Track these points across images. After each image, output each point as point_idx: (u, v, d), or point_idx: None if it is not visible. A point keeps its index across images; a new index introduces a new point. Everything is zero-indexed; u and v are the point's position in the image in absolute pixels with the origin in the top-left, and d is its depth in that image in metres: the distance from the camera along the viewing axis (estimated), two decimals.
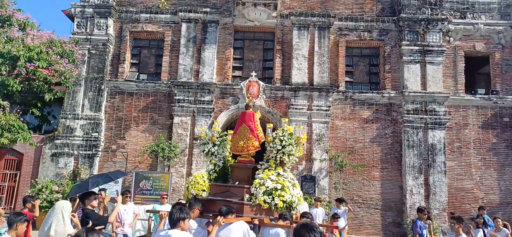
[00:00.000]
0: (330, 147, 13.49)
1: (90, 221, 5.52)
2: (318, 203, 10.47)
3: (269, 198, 5.34)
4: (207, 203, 5.48)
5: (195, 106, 13.79)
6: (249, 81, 13.77)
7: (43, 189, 12.73)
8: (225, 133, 6.55)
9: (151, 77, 14.73)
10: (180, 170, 13.50)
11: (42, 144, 13.96)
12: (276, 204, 5.32)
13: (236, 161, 6.19)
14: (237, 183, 5.78)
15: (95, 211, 6.23)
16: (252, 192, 5.50)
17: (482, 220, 10.12)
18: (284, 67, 14.30)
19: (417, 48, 13.96)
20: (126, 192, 9.42)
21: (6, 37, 12.20)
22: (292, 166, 6.81)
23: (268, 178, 5.50)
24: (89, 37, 14.31)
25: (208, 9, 14.40)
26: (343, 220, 10.22)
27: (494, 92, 14.07)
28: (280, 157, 5.80)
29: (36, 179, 13.49)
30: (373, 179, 13.48)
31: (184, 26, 14.40)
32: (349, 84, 14.49)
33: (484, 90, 14.31)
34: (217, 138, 6.31)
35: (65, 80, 13.09)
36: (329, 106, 13.67)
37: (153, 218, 9.04)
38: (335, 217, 9.59)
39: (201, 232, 5.05)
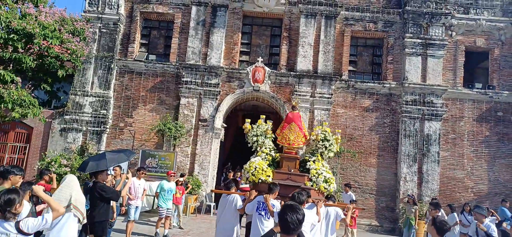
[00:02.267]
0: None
1: (105, 195, 5.85)
2: (348, 188, 11.36)
3: (326, 184, 6.84)
4: (270, 186, 6.08)
5: (202, 88, 14.20)
6: (255, 66, 14.16)
7: (52, 163, 13.24)
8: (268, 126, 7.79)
9: (159, 58, 15.06)
10: (185, 149, 14.06)
11: (52, 119, 14.39)
12: (327, 190, 6.82)
13: (282, 152, 7.47)
14: (291, 170, 7.04)
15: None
16: (311, 179, 6.92)
17: (467, 207, 10.91)
18: (290, 54, 14.67)
19: (419, 41, 14.36)
20: (142, 168, 10.02)
21: (21, 13, 12.39)
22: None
23: (322, 168, 7.03)
24: (100, 16, 14.52)
25: None
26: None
27: (491, 87, 14.60)
28: (321, 152, 7.31)
29: (45, 153, 14.00)
30: (370, 166, 14.15)
31: (194, 9, 14.63)
32: (352, 73, 14.94)
33: (481, 84, 14.84)
34: (270, 132, 7.53)
35: (76, 58, 13.38)
36: (331, 94, 14.16)
37: (159, 193, 9.63)
38: (352, 202, 10.27)
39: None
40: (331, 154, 7.52)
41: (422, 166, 13.88)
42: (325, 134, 7.39)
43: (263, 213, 5.65)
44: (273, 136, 7.59)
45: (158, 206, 9.74)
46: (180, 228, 10.71)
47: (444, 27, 14.51)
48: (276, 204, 5.70)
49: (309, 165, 7.16)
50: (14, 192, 3.63)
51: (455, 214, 10.09)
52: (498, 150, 14.25)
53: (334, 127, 14.17)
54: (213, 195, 13.98)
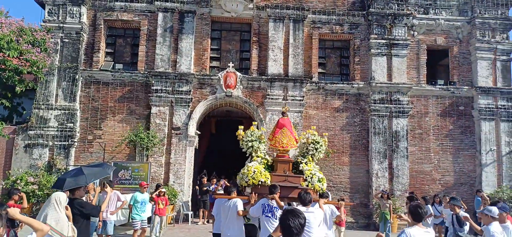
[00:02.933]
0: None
1: (84, 211, 5.74)
2: None
3: (320, 183, 7.39)
4: (271, 188, 6.33)
5: (173, 96, 13.97)
6: (227, 71, 14.11)
7: (18, 181, 12.59)
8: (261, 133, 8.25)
9: (127, 67, 14.67)
10: (159, 159, 13.76)
11: (14, 135, 13.65)
12: (321, 189, 7.37)
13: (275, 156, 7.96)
14: (287, 172, 7.45)
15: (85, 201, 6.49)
16: (306, 180, 7.39)
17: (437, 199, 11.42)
18: (261, 58, 14.75)
19: (384, 41, 14.87)
20: (110, 182, 9.75)
21: None
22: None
23: (314, 168, 7.57)
24: (61, 25, 13.95)
25: None
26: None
27: (452, 83, 15.35)
28: (312, 154, 7.90)
29: (9, 171, 13.27)
30: (343, 164, 14.47)
31: (160, 15, 14.38)
32: (321, 75, 15.24)
33: (443, 81, 15.58)
34: (263, 138, 7.97)
35: (37, 70, 12.79)
36: (303, 96, 14.36)
37: (133, 205, 9.44)
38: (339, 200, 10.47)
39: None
40: (321, 155, 8.15)
41: (392, 162, 14.35)
42: (315, 137, 7.94)
43: (270, 215, 5.90)
44: (266, 140, 7.97)
45: (132, 218, 9.53)
46: None
47: (406, 27, 15.12)
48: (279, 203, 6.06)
49: (302, 166, 7.66)
50: None
51: (429, 206, 10.52)
52: (461, 143, 15.00)
53: (307, 128, 14.36)
54: (190, 204, 13.77)
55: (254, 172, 7.14)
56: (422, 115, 15.04)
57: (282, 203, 5.95)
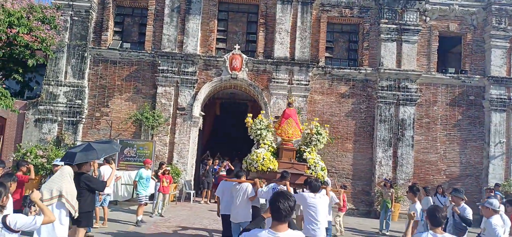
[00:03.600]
0: (308, 120, 14.19)
1: (91, 185, 5.93)
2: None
3: (322, 172, 7.76)
4: (284, 174, 6.94)
5: (178, 76, 14.07)
6: (233, 53, 14.08)
7: (28, 154, 13.03)
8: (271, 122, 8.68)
9: (134, 46, 14.80)
10: (164, 138, 14.00)
11: (25, 110, 14.07)
12: (323, 177, 7.79)
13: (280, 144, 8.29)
14: (292, 160, 7.86)
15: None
16: (309, 168, 7.74)
17: (441, 190, 11.27)
18: (267, 41, 14.63)
19: (394, 26, 14.50)
20: (110, 159, 10.06)
21: None
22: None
23: (317, 158, 7.92)
24: (71, 3, 14.10)
25: None
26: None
27: (463, 72, 14.94)
28: (315, 143, 8.21)
29: (20, 144, 13.74)
30: (346, 151, 14.41)
31: None
32: (328, 59, 15.03)
33: (454, 69, 15.16)
34: (271, 126, 8.36)
35: (46, 47, 13.02)
36: (309, 81, 14.24)
37: (138, 181, 9.74)
38: (342, 187, 10.79)
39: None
40: (321, 146, 8.44)
41: (397, 150, 14.21)
42: (317, 128, 8.31)
43: None
44: (273, 129, 8.33)
45: (137, 193, 9.85)
46: (161, 216, 10.79)
47: (418, 13, 14.68)
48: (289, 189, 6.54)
49: (306, 155, 8.00)
50: (1, 185, 3.61)
51: (429, 197, 10.37)
52: (469, 134, 14.69)
53: (311, 114, 14.35)
54: (192, 183, 14.04)
55: (263, 159, 7.51)
56: (431, 104, 14.74)
57: (290, 189, 6.42)
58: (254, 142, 8.77)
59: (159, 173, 10.82)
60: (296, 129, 8.09)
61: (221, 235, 8.01)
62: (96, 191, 6.66)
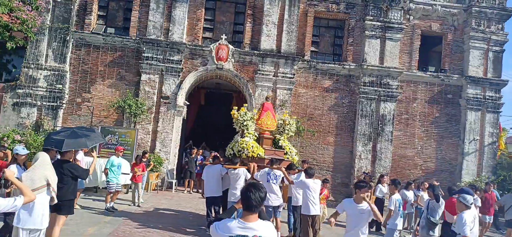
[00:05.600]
0: (292, 113, 14.39)
1: (75, 173, 5.86)
2: (305, 165, 12.23)
3: (297, 157, 9.30)
4: (277, 161, 8.26)
5: (163, 64, 13.95)
6: (219, 43, 14.05)
7: (5, 138, 12.70)
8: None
9: (119, 31, 14.54)
10: (146, 127, 13.91)
11: (3, 92, 13.67)
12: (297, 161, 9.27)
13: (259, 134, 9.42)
14: (271, 148, 9.03)
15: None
16: (286, 153, 9.03)
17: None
18: (254, 32, 14.65)
19: (379, 24, 14.78)
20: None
21: None
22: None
23: (289, 145, 9.37)
24: None
25: None
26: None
27: (443, 70, 15.42)
28: (287, 132, 9.50)
29: None
30: (328, 144, 14.73)
31: None
32: (314, 53, 15.21)
33: (435, 68, 15.63)
34: (254, 118, 9.30)
35: (27, 28, 12.65)
36: (294, 74, 14.40)
37: (109, 169, 9.71)
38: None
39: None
40: (291, 134, 9.83)
41: (376, 145, 14.62)
42: (289, 119, 9.74)
43: (275, 181, 7.80)
44: (254, 121, 9.34)
45: (107, 181, 9.79)
46: (138, 206, 10.71)
47: (402, 11, 15.00)
48: (279, 173, 7.88)
49: (281, 143, 9.30)
50: None
51: (405, 191, 10.56)
52: (446, 130, 15.25)
53: (295, 107, 14.56)
54: (174, 172, 14.05)
55: (252, 147, 8.50)
56: (410, 101, 15.19)
57: (287, 174, 7.71)
58: (238, 132, 9.64)
59: (132, 162, 10.74)
60: (273, 120, 9.31)
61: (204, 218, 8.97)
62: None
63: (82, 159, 9.46)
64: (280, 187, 8.23)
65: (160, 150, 13.78)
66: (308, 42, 14.84)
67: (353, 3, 15.02)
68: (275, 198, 7.70)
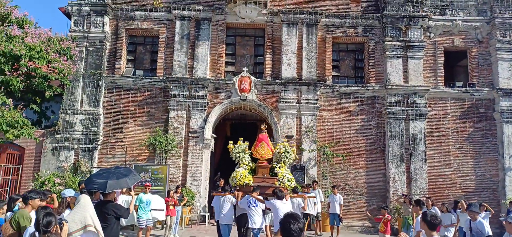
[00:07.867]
0: (318, 138, 14.33)
1: (118, 213, 6.00)
2: (336, 190, 12.55)
3: (289, 182, 9.69)
4: (255, 188, 8.94)
5: (190, 100, 14.44)
6: (241, 76, 14.46)
7: (46, 182, 13.31)
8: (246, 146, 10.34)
9: (146, 73, 15.32)
10: (177, 161, 14.21)
11: (43, 138, 14.50)
12: (290, 186, 9.81)
13: (256, 163, 10.20)
14: (265, 175, 9.82)
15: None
16: (278, 180, 9.59)
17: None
18: (274, 62, 15.01)
19: (399, 43, 14.78)
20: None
21: (6, 36, 12.63)
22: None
23: (285, 171, 9.93)
24: (86, 34, 14.80)
25: (200, 7, 14.97)
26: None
27: (471, 85, 15.00)
28: (284, 160, 10.10)
29: (38, 173, 14.06)
30: (359, 168, 14.38)
31: (178, 23, 14.97)
32: (335, 78, 15.29)
33: (462, 82, 15.24)
34: (247, 149, 10.20)
35: (63, 77, 13.59)
36: (317, 100, 14.46)
37: (138, 205, 9.92)
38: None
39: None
40: (291, 161, 10.62)
41: (410, 166, 14.13)
42: (285, 148, 10.31)
43: (254, 205, 8.60)
44: (250, 152, 10.14)
45: (137, 218, 9.97)
46: None
47: (422, 29, 14.97)
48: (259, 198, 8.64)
49: (276, 170, 9.94)
50: (51, 215, 3.96)
51: (442, 212, 10.14)
52: (482, 146, 14.56)
53: (321, 132, 14.48)
54: (206, 205, 14.08)
55: (241, 176, 9.40)
56: (440, 118, 14.75)
57: (261, 198, 8.52)
58: (235, 163, 10.44)
59: (165, 198, 10.94)
60: (268, 150, 10.10)
61: None
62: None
63: (118, 198, 9.70)
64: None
65: (191, 184, 13.95)
66: (328, 67, 14.99)
67: (370, 26, 15.18)
68: (257, 220, 8.57)
